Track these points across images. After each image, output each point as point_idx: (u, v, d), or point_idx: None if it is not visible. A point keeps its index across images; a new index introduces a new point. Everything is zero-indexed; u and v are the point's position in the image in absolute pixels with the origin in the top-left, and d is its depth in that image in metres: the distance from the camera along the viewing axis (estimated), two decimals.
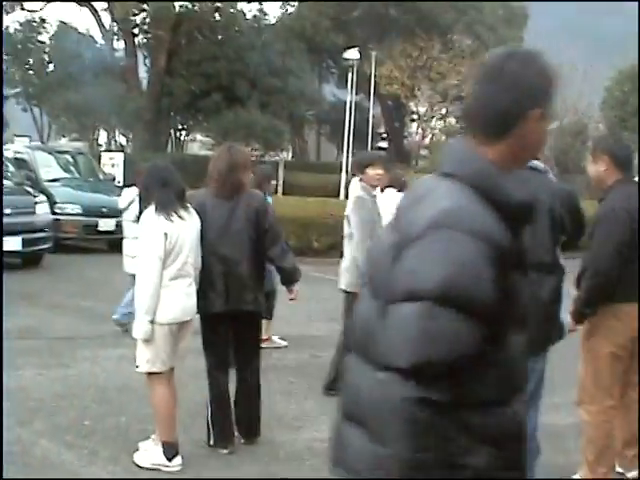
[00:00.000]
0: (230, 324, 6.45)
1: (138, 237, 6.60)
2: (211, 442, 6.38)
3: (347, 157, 29.88)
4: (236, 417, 6.52)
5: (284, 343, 10.38)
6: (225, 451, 6.34)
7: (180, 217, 5.89)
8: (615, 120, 36.43)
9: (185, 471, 5.95)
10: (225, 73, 30.10)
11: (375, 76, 34.62)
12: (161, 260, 5.76)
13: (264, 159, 31.19)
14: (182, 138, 39.65)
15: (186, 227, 5.94)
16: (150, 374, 5.95)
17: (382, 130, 45.34)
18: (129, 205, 10.23)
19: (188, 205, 6.06)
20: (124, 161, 24.53)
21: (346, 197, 27.93)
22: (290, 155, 44.90)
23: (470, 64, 35.74)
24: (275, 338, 10.30)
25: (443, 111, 39.79)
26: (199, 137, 37.37)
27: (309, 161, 42.78)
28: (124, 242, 10.41)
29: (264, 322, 9.47)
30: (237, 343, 6.59)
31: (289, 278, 6.76)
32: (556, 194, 5.09)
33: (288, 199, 22.15)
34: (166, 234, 5.78)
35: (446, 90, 36.35)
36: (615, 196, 5.56)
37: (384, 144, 45.16)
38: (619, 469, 6.17)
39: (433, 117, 40.91)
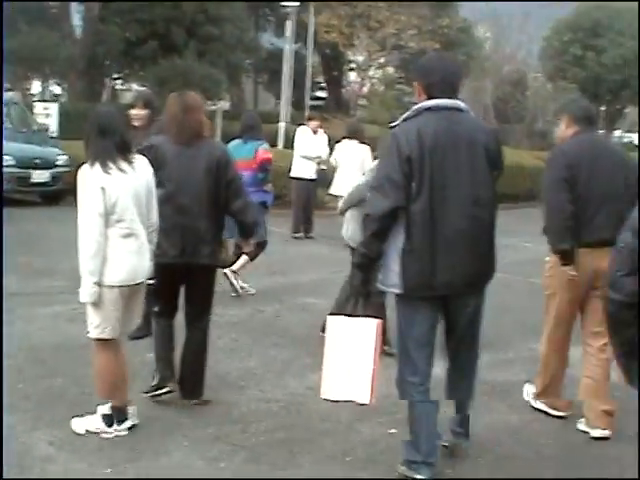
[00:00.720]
0: (183, 276, 6.29)
1: None
2: (154, 382, 6.28)
3: (286, 106, 29.44)
4: (180, 376, 6.37)
5: (251, 291, 10.55)
6: (165, 390, 6.27)
7: (121, 170, 5.43)
8: (554, 70, 36.46)
9: (134, 438, 5.71)
10: (161, 20, 29.41)
11: (314, 24, 34.14)
12: (101, 217, 5.34)
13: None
14: (117, 87, 38.88)
15: (129, 180, 5.46)
16: (98, 340, 5.58)
17: (320, 79, 44.93)
18: None
19: (133, 156, 5.58)
20: (58, 111, 23.92)
21: (285, 146, 27.78)
22: (228, 104, 44.31)
23: (409, 13, 35.47)
24: (243, 284, 10.41)
25: (382, 60, 39.32)
26: (135, 86, 36.57)
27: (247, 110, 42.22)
28: None
29: (248, 262, 10.18)
30: (188, 297, 6.42)
31: (249, 232, 6.69)
32: (489, 132, 5.26)
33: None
34: (103, 188, 5.34)
35: (385, 39, 35.96)
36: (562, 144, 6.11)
37: (322, 93, 44.87)
38: (584, 427, 6.26)
39: (371, 66, 40.53)
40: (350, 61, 40.70)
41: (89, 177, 5.41)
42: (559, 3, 36.76)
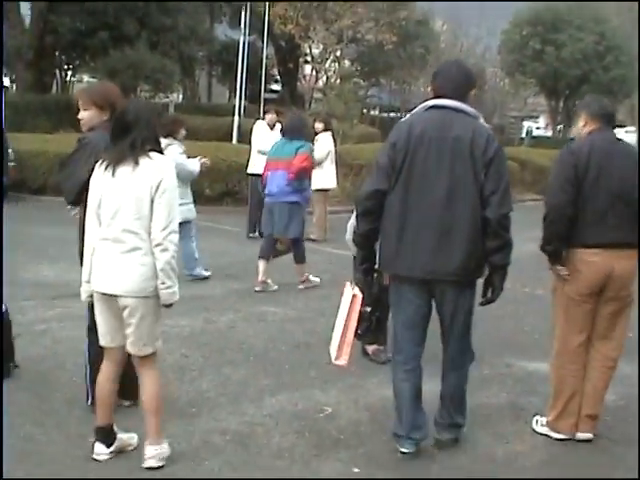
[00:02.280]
0: None
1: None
2: (89, 402, 6.02)
3: (240, 99, 28.65)
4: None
5: (317, 280, 11.16)
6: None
7: (112, 174, 5.06)
8: (513, 64, 36.02)
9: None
10: (112, 10, 28.50)
11: (269, 15, 33.37)
12: (94, 214, 5.14)
13: (154, 101, 29.90)
14: (68, 79, 37.90)
15: (116, 186, 5.04)
16: None
17: (275, 72, 44.17)
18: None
19: (142, 156, 5.05)
20: (6, 102, 23.07)
21: (239, 141, 27.05)
22: (180, 97, 43.49)
23: (366, 5, 34.84)
24: (311, 277, 11.13)
25: (338, 53, 38.61)
26: (85, 78, 35.62)
27: (200, 103, 41.42)
28: None
29: (299, 265, 10.98)
30: None
31: None
32: (482, 135, 5.35)
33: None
34: (96, 186, 5.14)
35: (341, 31, 35.27)
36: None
37: (277, 86, 44.11)
38: (543, 430, 6.18)
39: (327, 59, 39.85)
40: (306, 54, 39.91)
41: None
42: None
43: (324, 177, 14.87)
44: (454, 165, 5.28)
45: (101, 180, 5.09)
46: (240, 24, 36.25)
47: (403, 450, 5.60)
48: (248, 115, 29.07)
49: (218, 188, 18.35)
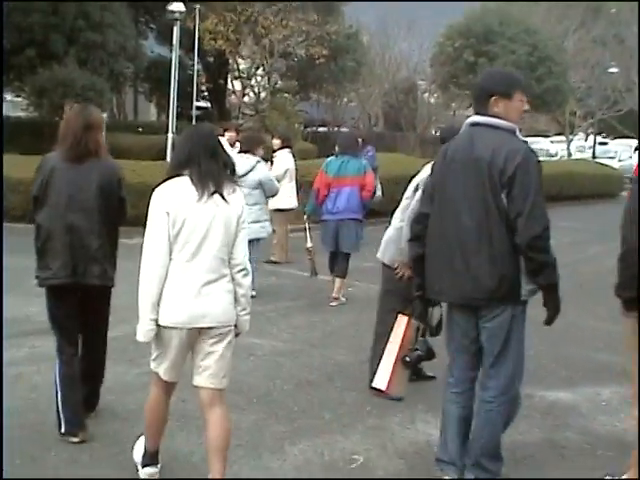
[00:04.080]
0: (75, 298, 6.01)
1: (258, 204, 9.53)
2: (62, 430, 5.96)
3: (173, 117, 27.89)
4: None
5: (344, 300, 11.19)
6: (76, 439, 5.91)
7: (200, 197, 4.85)
8: (447, 77, 35.79)
9: None
10: (39, 27, 27.44)
11: (199, 31, 32.66)
12: (162, 243, 4.80)
13: None
14: None
15: (206, 211, 4.83)
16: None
17: (203, 88, 43.33)
18: (247, 173, 10.44)
19: (229, 186, 4.96)
20: None
21: None
22: (105, 115, 42.39)
23: (297, 18, 34.36)
24: (342, 297, 11.20)
25: (267, 68, 37.98)
26: (9, 97, 34.43)
27: (129, 121, 40.42)
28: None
29: (341, 280, 11.11)
30: (83, 318, 6.11)
31: None
32: (507, 151, 4.99)
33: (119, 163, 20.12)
34: (168, 213, 4.80)
35: (272, 45, 34.73)
36: None
37: (204, 103, 43.28)
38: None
39: (255, 74, 39.26)
40: (235, 69, 39.24)
41: (157, 198, 4.94)
42: (451, 8, 36.32)
43: (283, 197, 14.21)
44: (475, 188, 5.05)
45: (184, 202, 4.82)
46: (168, 40, 35.56)
47: (446, 478, 5.39)
48: (179, 132, 28.31)
49: None
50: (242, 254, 4.97)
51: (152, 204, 4.86)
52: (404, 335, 5.78)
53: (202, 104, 42.90)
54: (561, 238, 15.69)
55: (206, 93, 42.33)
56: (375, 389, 7.05)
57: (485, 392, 5.28)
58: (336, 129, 41.22)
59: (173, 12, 28.59)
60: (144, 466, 5.31)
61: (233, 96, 42.46)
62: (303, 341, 9.13)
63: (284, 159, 14.39)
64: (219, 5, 34.48)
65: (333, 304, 11.01)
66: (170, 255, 4.80)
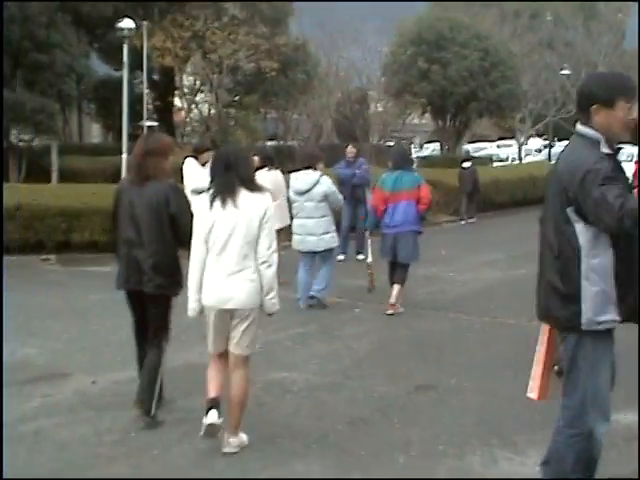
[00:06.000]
0: (137, 302, 6.88)
1: (326, 216, 11.35)
2: (151, 413, 6.68)
3: (126, 137, 27.03)
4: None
5: (401, 309, 11.34)
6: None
7: (222, 205, 5.98)
8: (401, 85, 35.33)
9: None
10: None
11: (147, 49, 31.83)
12: (200, 242, 6.02)
13: (35, 144, 27.97)
14: None
15: (228, 216, 5.96)
16: None
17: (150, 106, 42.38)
18: (313, 187, 11.34)
19: (250, 190, 6.05)
20: None
21: None
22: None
23: (246, 32, 33.73)
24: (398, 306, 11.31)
25: (215, 83, 37.11)
26: None
27: (80, 143, 39.26)
28: (307, 222, 11.45)
29: (401, 288, 11.35)
30: (146, 320, 6.87)
31: None
32: (566, 163, 4.71)
33: (80, 187, 19.28)
34: (202, 219, 6.03)
35: (222, 60, 33.98)
36: None
37: (151, 122, 42.32)
38: None
39: (202, 90, 38.43)
40: (183, 87, 38.38)
41: (198, 206, 6.13)
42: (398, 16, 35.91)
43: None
44: (554, 205, 4.70)
45: (210, 211, 5.98)
46: (112, 58, 34.65)
47: None
48: (129, 153, 27.49)
49: None
50: (265, 249, 5.95)
51: (194, 213, 6.17)
52: (548, 340, 5.18)
53: (149, 123, 42.02)
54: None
55: (153, 113, 41.42)
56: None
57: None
58: (287, 143, 40.55)
59: (122, 29, 27.77)
60: (207, 411, 6.07)
61: (180, 113, 41.61)
62: (334, 372, 8.49)
63: (264, 178, 13.66)
64: (165, 21, 33.79)
65: (389, 312, 11.19)
66: (207, 250, 5.99)
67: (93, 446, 6.32)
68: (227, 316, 5.99)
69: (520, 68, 38.28)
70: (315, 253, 11.61)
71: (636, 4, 38.99)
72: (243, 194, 5.97)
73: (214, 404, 6.09)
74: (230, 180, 6.00)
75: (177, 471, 5.88)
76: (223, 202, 5.94)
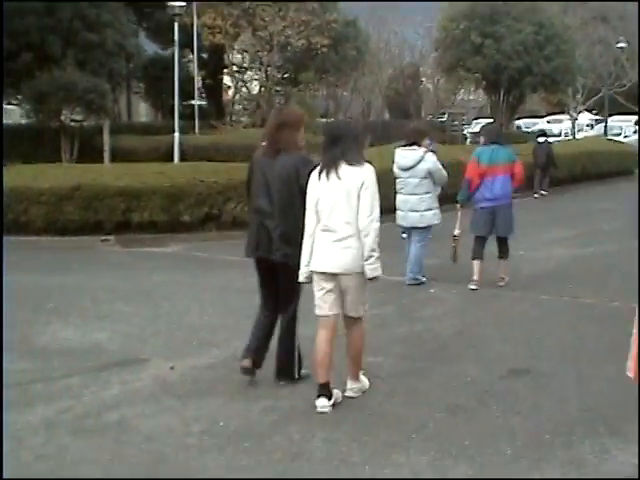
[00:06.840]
0: (266, 269, 7.11)
1: (429, 192, 11.56)
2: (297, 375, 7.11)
3: (178, 116, 26.77)
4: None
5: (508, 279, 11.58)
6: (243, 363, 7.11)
7: (327, 178, 6.43)
8: (454, 60, 34.76)
9: None
10: (35, 29, 26.20)
11: (198, 27, 31.56)
12: (311, 213, 6.50)
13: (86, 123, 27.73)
14: None
15: (331, 187, 6.40)
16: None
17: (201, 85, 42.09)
18: (417, 163, 11.41)
19: (350, 163, 6.39)
20: None
21: (183, 159, 25.18)
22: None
23: (296, 8, 33.40)
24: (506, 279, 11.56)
25: (265, 60, 36.73)
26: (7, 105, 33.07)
27: (130, 123, 39.03)
28: (410, 198, 11.52)
29: (506, 262, 11.72)
30: (275, 288, 7.12)
31: None
32: None
33: (139, 167, 18.92)
34: (313, 189, 6.50)
35: (271, 37, 33.65)
36: None
37: (202, 101, 42.09)
38: None
39: (252, 67, 38.10)
40: (232, 64, 38.04)
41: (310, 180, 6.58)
42: None
43: None
44: None
45: (318, 183, 6.47)
46: (160, 37, 34.42)
47: None
48: (182, 132, 27.34)
49: (197, 213, 16.48)
50: (364, 216, 6.30)
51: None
52: None
53: (199, 102, 41.82)
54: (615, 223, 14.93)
55: (203, 90, 41.20)
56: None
57: None
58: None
59: (173, 7, 27.53)
60: (317, 398, 6.43)
61: (228, 92, 41.34)
62: (421, 356, 8.18)
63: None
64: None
65: (501, 284, 11.44)
66: (317, 220, 6.46)
67: (181, 436, 6.03)
68: (333, 280, 6.42)
69: (574, 42, 37.42)
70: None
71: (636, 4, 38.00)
72: (344, 167, 6.37)
73: (324, 391, 6.43)
74: (335, 154, 6.39)
75: (271, 466, 5.55)
76: (328, 175, 6.39)
